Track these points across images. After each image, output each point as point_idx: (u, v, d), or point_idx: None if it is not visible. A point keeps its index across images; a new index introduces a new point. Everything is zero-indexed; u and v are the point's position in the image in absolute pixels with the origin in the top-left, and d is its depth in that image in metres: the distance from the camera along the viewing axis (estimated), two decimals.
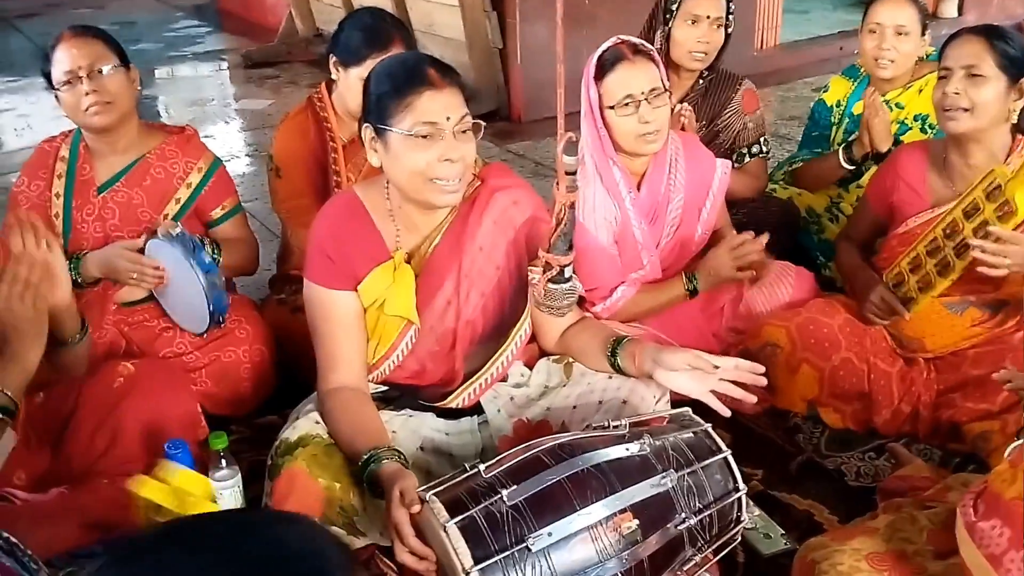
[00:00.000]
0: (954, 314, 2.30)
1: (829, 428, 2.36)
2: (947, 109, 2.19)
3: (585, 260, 2.27)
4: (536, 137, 4.86)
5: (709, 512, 1.60)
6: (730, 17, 2.81)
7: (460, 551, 1.42)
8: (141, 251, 2.33)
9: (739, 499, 1.66)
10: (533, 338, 2.09)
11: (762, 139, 2.97)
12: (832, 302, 2.43)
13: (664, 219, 2.46)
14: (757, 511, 2.03)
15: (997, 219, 2.05)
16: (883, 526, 1.57)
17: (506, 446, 1.85)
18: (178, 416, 2.05)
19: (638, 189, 2.42)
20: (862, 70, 2.98)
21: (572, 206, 1.65)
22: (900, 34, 2.77)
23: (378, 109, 1.79)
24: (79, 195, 2.39)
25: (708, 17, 2.75)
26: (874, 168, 2.78)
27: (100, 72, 2.28)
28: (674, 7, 2.78)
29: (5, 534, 1.02)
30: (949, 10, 6.86)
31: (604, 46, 2.31)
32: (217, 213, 2.53)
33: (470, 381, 2.01)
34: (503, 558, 1.42)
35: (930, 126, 2.82)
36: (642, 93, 2.25)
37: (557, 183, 1.62)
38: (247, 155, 4.85)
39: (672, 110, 2.65)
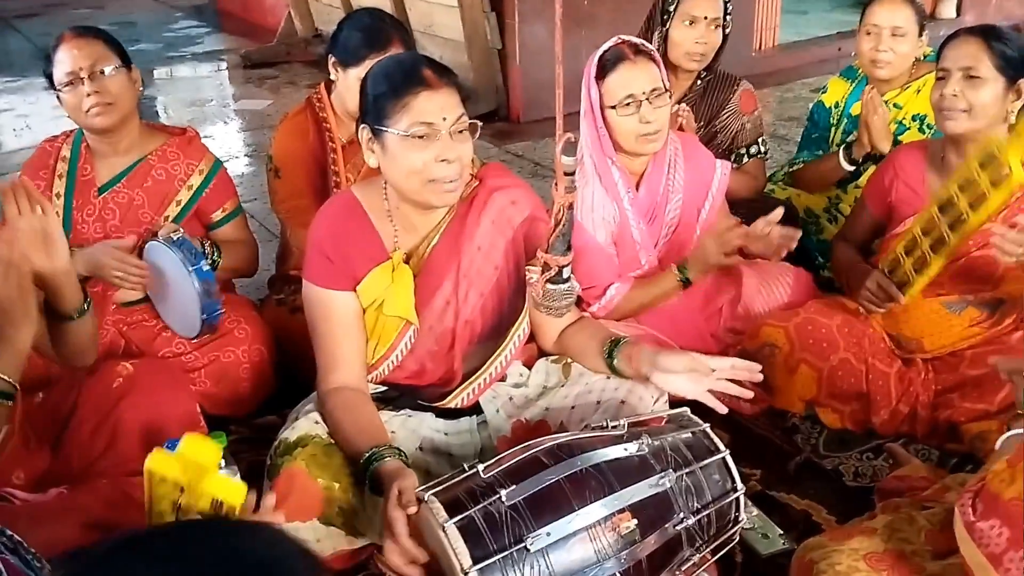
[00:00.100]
0: (953, 314, 2.31)
1: (827, 428, 2.37)
2: (945, 110, 2.19)
3: (582, 259, 2.27)
4: (535, 137, 4.86)
5: (707, 512, 1.61)
6: (727, 18, 2.81)
7: (459, 551, 1.42)
8: (137, 251, 2.33)
9: (737, 499, 1.66)
10: (532, 338, 2.10)
11: (760, 139, 2.97)
12: (831, 303, 2.44)
13: (663, 219, 2.46)
14: (755, 511, 2.03)
15: (992, 187, 2.01)
16: (881, 526, 1.58)
17: (504, 446, 1.86)
18: (177, 416, 2.04)
19: (637, 189, 2.42)
20: (860, 71, 2.99)
21: (571, 207, 1.66)
22: (897, 35, 2.77)
23: (375, 110, 1.80)
24: (80, 195, 2.40)
25: (705, 18, 2.75)
26: (872, 168, 2.78)
27: (102, 73, 2.28)
28: (671, 8, 2.78)
29: (9, 532, 1.03)
30: (947, 11, 6.87)
31: (605, 46, 2.32)
32: (218, 215, 2.53)
33: (469, 381, 2.02)
34: (502, 558, 1.43)
35: (928, 126, 2.82)
36: (643, 93, 2.25)
37: (556, 184, 1.62)
38: (246, 155, 4.85)
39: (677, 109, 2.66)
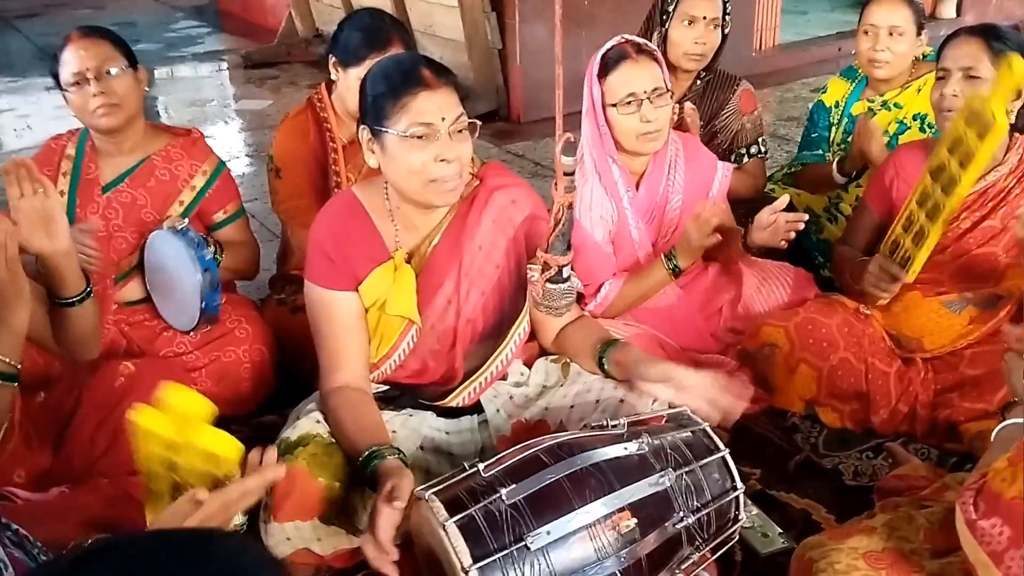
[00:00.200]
0: (953, 313, 2.31)
1: (827, 427, 2.37)
2: (945, 110, 2.19)
3: (579, 257, 2.27)
4: (535, 137, 4.87)
5: (707, 511, 1.61)
6: (726, 18, 2.82)
7: (459, 550, 1.42)
8: (139, 249, 2.31)
9: (737, 498, 1.66)
10: (533, 336, 2.10)
11: (760, 139, 2.98)
12: (830, 302, 2.44)
13: (662, 219, 2.47)
14: (755, 510, 2.03)
15: (978, 139, 2.00)
16: (880, 525, 1.58)
17: (504, 446, 1.86)
18: None
19: (637, 189, 2.42)
20: (860, 71, 2.99)
21: (570, 206, 1.66)
22: (895, 35, 2.77)
23: (374, 111, 1.80)
24: (83, 193, 2.40)
25: (704, 18, 2.76)
26: (872, 168, 2.79)
27: (108, 73, 2.29)
28: (670, 8, 2.78)
29: (15, 527, 1.03)
30: (947, 11, 6.87)
31: (608, 45, 2.32)
32: (219, 216, 2.54)
33: (470, 380, 2.02)
34: (502, 557, 1.43)
35: (929, 125, 2.82)
36: (644, 92, 2.25)
37: (555, 183, 1.63)
38: (247, 155, 4.85)
39: (679, 108, 2.66)
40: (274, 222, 3.20)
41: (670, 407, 1.81)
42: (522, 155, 4.70)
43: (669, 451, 1.62)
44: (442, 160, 1.78)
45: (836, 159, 2.89)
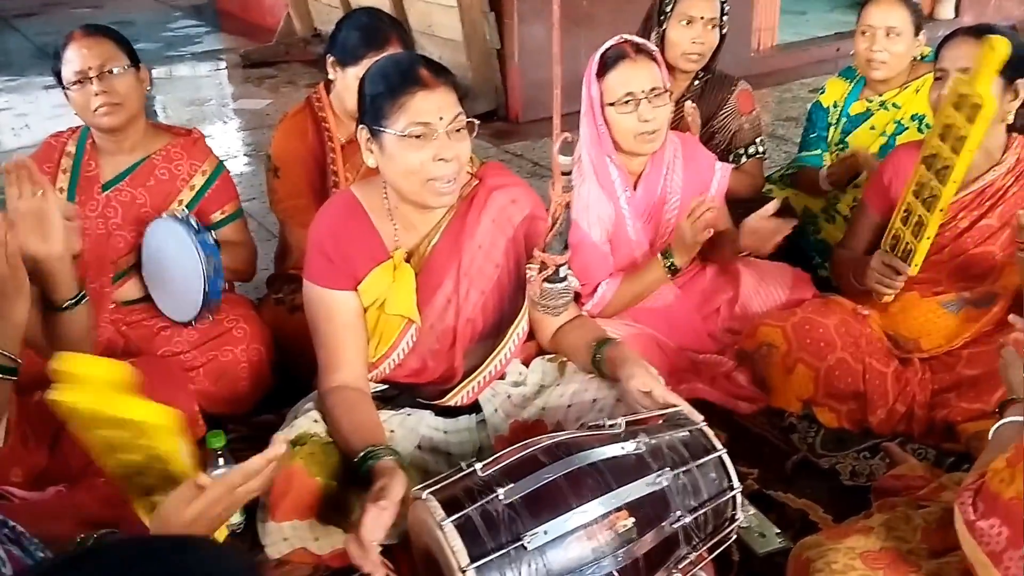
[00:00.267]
0: (950, 313, 2.31)
1: (824, 427, 2.37)
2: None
3: (576, 256, 2.27)
4: (534, 137, 4.87)
5: (704, 510, 1.61)
6: (724, 18, 2.82)
7: (456, 549, 1.42)
8: (139, 242, 2.32)
9: (734, 497, 1.66)
10: (531, 336, 2.10)
11: (758, 139, 2.98)
12: (828, 302, 2.44)
13: (660, 220, 2.47)
14: (752, 510, 2.03)
15: (967, 123, 1.99)
16: (877, 525, 1.58)
17: (502, 446, 1.86)
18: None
19: (635, 189, 2.42)
20: (859, 71, 2.99)
21: (568, 206, 1.66)
22: (892, 35, 2.78)
23: (372, 110, 1.80)
24: (83, 191, 2.40)
25: (702, 18, 2.76)
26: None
27: (110, 73, 2.30)
28: (668, 8, 2.79)
29: (11, 523, 1.03)
30: (946, 11, 6.87)
31: (607, 44, 2.32)
32: (217, 217, 2.54)
33: (469, 379, 2.02)
34: (499, 556, 1.43)
35: (927, 126, 2.82)
36: (643, 92, 2.26)
37: (553, 183, 1.63)
38: (245, 155, 4.85)
39: (675, 107, 2.66)
40: (272, 221, 3.20)
41: (668, 407, 1.82)
42: (520, 155, 4.70)
43: (666, 451, 1.62)
44: (440, 159, 1.78)
45: (826, 167, 2.91)
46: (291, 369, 2.46)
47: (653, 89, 2.27)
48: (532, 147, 4.78)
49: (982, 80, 1.98)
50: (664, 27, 2.80)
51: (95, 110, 2.30)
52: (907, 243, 2.20)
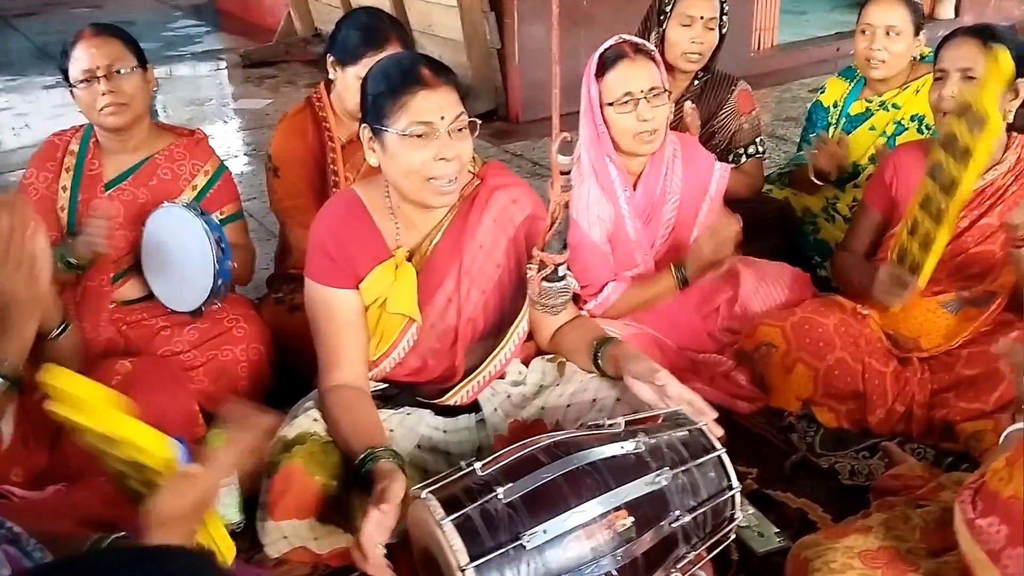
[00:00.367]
0: (949, 313, 2.31)
1: (823, 427, 2.37)
2: (944, 112, 2.19)
3: (577, 257, 2.28)
4: (533, 137, 4.87)
5: (703, 510, 1.61)
6: (724, 18, 2.82)
7: (456, 548, 1.43)
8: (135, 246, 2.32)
9: (733, 497, 1.67)
10: (531, 336, 2.10)
11: (758, 139, 2.98)
12: (827, 302, 2.44)
13: (659, 220, 2.47)
14: (751, 509, 2.03)
15: (971, 135, 1.98)
16: (876, 524, 1.58)
17: (501, 445, 1.86)
18: (176, 414, 2.05)
19: (634, 189, 2.43)
20: (859, 71, 3.00)
21: (567, 205, 1.67)
22: (891, 35, 2.78)
23: (374, 109, 1.80)
24: (86, 190, 2.40)
25: (702, 18, 2.76)
26: (870, 169, 2.79)
27: (118, 73, 2.30)
28: (668, 8, 2.79)
29: (9, 523, 1.03)
30: (946, 11, 6.88)
31: (606, 44, 2.32)
32: (217, 217, 2.53)
33: (469, 378, 2.02)
34: (498, 555, 1.43)
35: (927, 126, 2.83)
36: (641, 91, 2.26)
37: (552, 182, 1.63)
38: (245, 155, 4.85)
39: (679, 108, 2.66)
40: (272, 221, 3.20)
41: (667, 407, 1.82)
42: (520, 155, 4.70)
43: (665, 450, 1.62)
44: (441, 159, 1.78)
45: (808, 155, 2.92)
46: (291, 369, 2.46)
47: (652, 89, 2.27)
48: (532, 147, 4.78)
49: (987, 94, 1.96)
50: (664, 27, 2.80)
51: (101, 109, 2.30)
52: (914, 255, 2.18)
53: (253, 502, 1.96)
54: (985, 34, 2.19)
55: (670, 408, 1.77)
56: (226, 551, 1.45)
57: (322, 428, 1.87)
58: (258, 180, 4.12)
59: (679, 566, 1.60)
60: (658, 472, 1.57)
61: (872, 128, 2.94)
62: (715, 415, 1.77)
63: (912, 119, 2.88)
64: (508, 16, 4.94)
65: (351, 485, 1.81)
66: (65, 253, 2.28)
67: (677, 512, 1.57)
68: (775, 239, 2.89)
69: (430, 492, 1.50)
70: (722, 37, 2.84)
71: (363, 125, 1.85)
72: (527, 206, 1.99)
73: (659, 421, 1.76)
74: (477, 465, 1.55)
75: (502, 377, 2.07)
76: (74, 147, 2.43)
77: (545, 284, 1.78)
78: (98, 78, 2.28)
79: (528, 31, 4.92)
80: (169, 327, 2.44)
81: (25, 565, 1.01)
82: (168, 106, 5.88)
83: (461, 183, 1.88)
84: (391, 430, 1.95)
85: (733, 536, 1.72)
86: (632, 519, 1.52)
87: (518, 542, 1.44)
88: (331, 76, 2.52)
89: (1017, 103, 2.20)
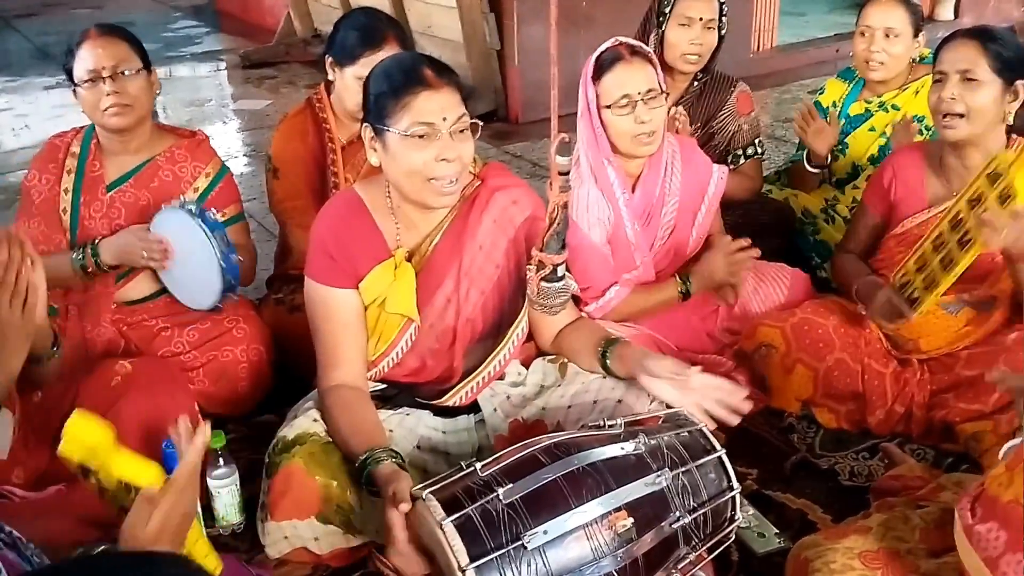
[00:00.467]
0: (950, 315, 2.31)
1: (823, 428, 2.37)
2: (944, 115, 2.19)
3: (578, 259, 2.28)
4: (533, 138, 4.87)
5: (703, 511, 1.61)
6: (723, 19, 2.82)
7: (456, 549, 1.43)
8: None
9: (733, 498, 1.67)
10: (530, 337, 2.10)
11: (757, 141, 2.98)
12: (827, 303, 2.44)
13: (658, 221, 2.47)
14: (751, 510, 2.03)
15: (999, 203, 2.00)
16: (876, 525, 1.58)
17: (501, 445, 1.87)
18: (176, 415, 2.03)
19: (633, 191, 2.43)
20: (858, 72, 3.00)
21: (565, 206, 1.67)
22: (890, 36, 2.78)
23: (376, 109, 1.81)
24: (88, 191, 2.41)
25: (701, 19, 2.76)
26: (869, 170, 2.80)
27: (123, 74, 2.30)
28: (667, 9, 2.79)
29: (7, 528, 1.03)
30: (945, 13, 6.89)
31: (603, 47, 2.33)
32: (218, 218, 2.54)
33: (468, 379, 2.02)
34: (499, 556, 1.43)
35: (927, 127, 2.83)
36: (639, 93, 2.26)
37: (551, 183, 1.63)
38: (245, 155, 4.85)
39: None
40: (272, 222, 3.20)
41: (667, 407, 1.82)
42: (520, 155, 4.70)
43: (666, 451, 1.62)
44: (443, 160, 1.79)
45: (805, 151, 2.94)
46: (291, 369, 2.46)
47: (649, 91, 2.27)
48: (532, 148, 4.78)
49: (1021, 172, 1.96)
50: (663, 28, 2.81)
51: (105, 110, 2.30)
52: (916, 289, 2.20)
53: (253, 502, 1.96)
54: (984, 36, 2.19)
55: (675, 408, 1.77)
56: (212, 569, 1.44)
57: (322, 428, 1.87)
58: (258, 181, 4.12)
59: (679, 567, 1.60)
60: (658, 473, 1.57)
61: (872, 129, 2.94)
62: (749, 406, 1.83)
63: (912, 120, 2.88)
64: (508, 17, 4.94)
65: (352, 485, 1.81)
66: (101, 256, 2.31)
67: (677, 513, 1.57)
68: (775, 240, 2.89)
69: (430, 492, 1.51)
70: (721, 38, 2.84)
71: (365, 124, 1.85)
72: (527, 207, 1.99)
73: (659, 422, 1.76)
74: (477, 465, 1.55)
75: (501, 378, 2.07)
76: (75, 149, 2.43)
77: (544, 284, 1.78)
78: (103, 79, 2.29)
79: (528, 32, 4.92)
80: (169, 328, 2.44)
81: (24, 569, 1.01)
82: (168, 107, 5.88)
83: (462, 184, 1.88)
84: (390, 430, 1.95)
85: (733, 537, 1.72)
86: (632, 520, 1.52)
87: (519, 542, 1.44)
88: (330, 77, 2.52)
89: (1016, 104, 2.20)
